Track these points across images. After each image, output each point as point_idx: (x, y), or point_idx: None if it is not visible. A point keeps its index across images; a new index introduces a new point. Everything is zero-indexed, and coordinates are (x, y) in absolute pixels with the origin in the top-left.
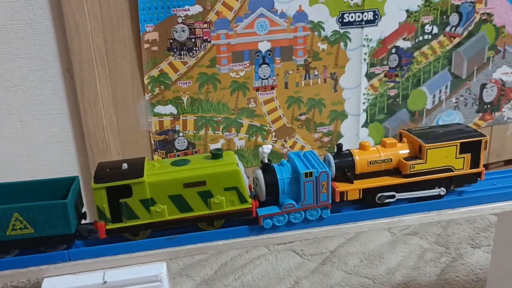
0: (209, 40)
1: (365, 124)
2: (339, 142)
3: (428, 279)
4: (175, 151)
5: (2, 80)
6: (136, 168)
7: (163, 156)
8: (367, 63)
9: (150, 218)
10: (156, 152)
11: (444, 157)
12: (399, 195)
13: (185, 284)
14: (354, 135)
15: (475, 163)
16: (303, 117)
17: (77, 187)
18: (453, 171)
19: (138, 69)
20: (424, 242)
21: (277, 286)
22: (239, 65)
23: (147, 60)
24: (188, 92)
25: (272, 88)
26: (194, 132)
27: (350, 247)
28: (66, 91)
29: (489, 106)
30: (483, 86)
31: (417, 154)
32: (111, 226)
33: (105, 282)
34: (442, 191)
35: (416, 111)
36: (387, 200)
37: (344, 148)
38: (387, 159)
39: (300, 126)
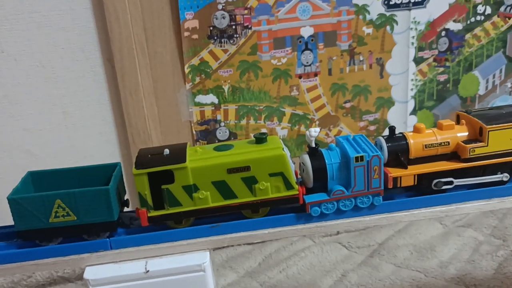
0: (250, 26)
1: (413, 112)
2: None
3: (485, 273)
4: (216, 141)
5: (44, 71)
6: (178, 153)
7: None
8: (415, 47)
9: (193, 205)
10: (197, 143)
11: (508, 139)
12: (457, 181)
13: (228, 276)
14: (402, 123)
15: None
16: (348, 105)
17: (119, 174)
18: None
19: (178, 57)
20: (479, 234)
21: (323, 279)
22: (281, 51)
23: (187, 49)
24: (229, 81)
25: (315, 75)
26: (236, 121)
27: (399, 239)
28: (107, 81)
29: None
30: None
31: (477, 136)
32: (153, 213)
33: (147, 271)
34: (505, 176)
35: (468, 97)
36: (444, 187)
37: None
38: (444, 142)
39: (345, 114)
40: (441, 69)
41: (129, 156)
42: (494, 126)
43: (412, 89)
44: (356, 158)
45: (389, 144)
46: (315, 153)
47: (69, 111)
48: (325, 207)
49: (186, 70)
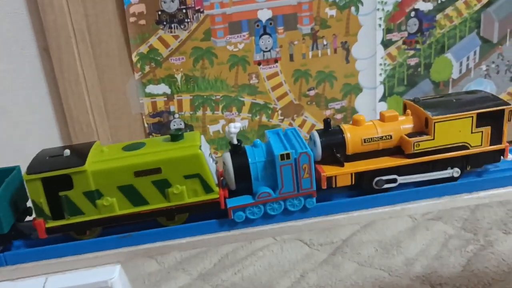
0: (202, 10)
1: (383, 98)
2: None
3: (452, 270)
4: None
5: None
6: (79, 154)
7: None
8: (383, 29)
9: (98, 213)
10: (150, 136)
11: (457, 131)
12: (401, 179)
13: (180, 279)
14: (370, 110)
15: (496, 138)
16: (312, 93)
17: (15, 180)
18: (468, 149)
19: (125, 45)
20: (449, 228)
21: (280, 281)
22: (237, 36)
23: (134, 36)
24: (181, 69)
25: (276, 61)
26: (191, 113)
27: (364, 235)
28: (45, 73)
29: None
30: None
31: (423, 129)
32: (51, 224)
33: None
34: (456, 172)
35: (441, 81)
36: (386, 185)
37: None
38: (385, 136)
39: (309, 103)
40: (411, 52)
41: None
42: (441, 116)
43: (380, 74)
44: (282, 156)
45: (323, 139)
46: (237, 151)
47: (6, 107)
48: (250, 211)
49: (134, 59)
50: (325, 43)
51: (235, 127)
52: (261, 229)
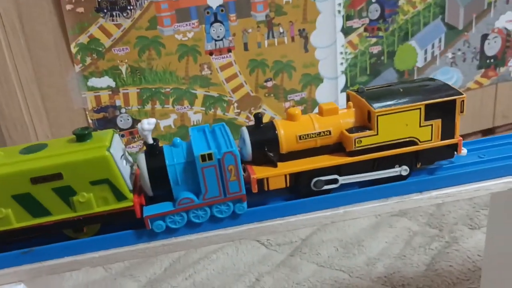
0: None
1: (345, 88)
2: None
3: (415, 270)
4: (118, 130)
5: None
6: None
7: None
8: (343, 16)
9: None
10: None
11: (403, 125)
12: (343, 179)
13: (127, 287)
14: (332, 101)
15: (448, 132)
16: (269, 84)
17: None
18: (417, 144)
19: (62, 36)
20: (413, 224)
21: (233, 286)
22: (186, 25)
23: (72, 25)
24: (126, 60)
25: (229, 50)
26: (139, 107)
27: (325, 234)
28: None
29: (492, 60)
30: (484, 38)
31: (366, 123)
32: None
33: None
34: (404, 170)
35: (405, 70)
36: (327, 187)
37: None
38: (324, 132)
39: (267, 95)
40: (374, 39)
41: None
42: (384, 109)
43: (342, 64)
44: (203, 156)
45: (253, 137)
46: (153, 151)
47: None
48: (171, 220)
49: (74, 50)
50: (281, 31)
51: (148, 123)
52: (185, 239)
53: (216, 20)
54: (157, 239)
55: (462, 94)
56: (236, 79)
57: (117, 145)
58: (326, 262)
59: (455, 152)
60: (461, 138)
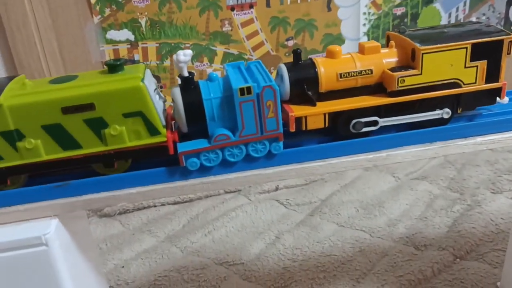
0: None
1: None
2: None
3: (437, 231)
4: None
5: None
6: None
7: None
8: None
9: (20, 158)
10: None
11: (448, 65)
12: (383, 121)
13: (145, 242)
14: None
15: (493, 75)
16: (290, 43)
17: None
18: (461, 87)
19: None
20: (434, 188)
21: (253, 242)
22: None
23: None
24: (146, 13)
25: (251, 6)
26: (157, 62)
27: (344, 195)
28: None
29: None
30: (509, 3)
31: (409, 62)
32: None
33: None
34: (446, 113)
35: None
36: (365, 129)
37: None
38: (365, 71)
39: (287, 54)
40: (398, 1)
41: None
42: (430, 47)
43: (364, 25)
44: (241, 90)
45: (292, 74)
46: (189, 85)
47: None
48: (206, 157)
49: (93, 0)
50: None
51: (184, 54)
52: (219, 178)
53: None
54: (190, 177)
55: (511, 34)
56: (257, 36)
57: (150, 79)
58: (347, 222)
59: (498, 98)
60: (506, 82)
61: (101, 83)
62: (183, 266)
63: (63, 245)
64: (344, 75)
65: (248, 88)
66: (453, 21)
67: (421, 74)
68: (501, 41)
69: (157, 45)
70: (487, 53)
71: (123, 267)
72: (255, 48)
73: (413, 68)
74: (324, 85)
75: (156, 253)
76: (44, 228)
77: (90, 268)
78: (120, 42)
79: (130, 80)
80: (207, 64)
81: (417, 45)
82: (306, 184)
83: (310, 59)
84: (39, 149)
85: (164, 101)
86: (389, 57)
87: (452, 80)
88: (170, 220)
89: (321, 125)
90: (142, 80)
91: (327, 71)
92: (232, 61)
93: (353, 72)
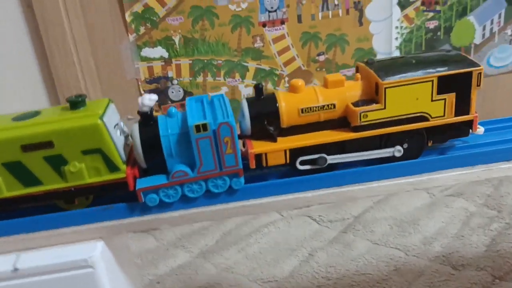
0: None
1: None
2: None
3: (475, 250)
4: (169, 102)
5: None
6: None
7: (156, 109)
8: None
9: None
10: None
11: (414, 99)
12: (331, 158)
13: (179, 257)
14: None
15: (463, 107)
16: (321, 58)
17: None
18: (428, 120)
19: (117, 3)
20: (470, 205)
21: (287, 260)
22: None
23: None
24: (179, 31)
25: (282, 22)
26: (190, 78)
27: (378, 212)
28: (29, 32)
29: None
30: None
31: (374, 96)
32: None
33: (16, 269)
34: (397, 151)
35: (462, 47)
36: (330, 162)
37: None
38: (328, 105)
39: (318, 69)
40: (431, 14)
41: None
42: (392, 81)
43: (396, 38)
44: (197, 126)
45: (253, 109)
46: (147, 121)
47: None
48: (164, 193)
49: (128, 19)
50: (336, 3)
51: (150, 99)
52: (178, 214)
53: None
54: (150, 213)
55: (479, 66)
56: (288, 52)
57: (112, 114)
58: (381, 240)
59: (470, 130)
60: (477, 115)
61: (59, 121)
62: (217, 283)
63: (107, 266)
64: (306, 110)
65: (204, 125)
66: (487, 34)
67: (384, 108)
68: (470, 73)
69: (190, 61)
70: (455, 85)
71: (158, 282)
72: (286, 63)
73: (377, 102)
74: (286, 120)
75: (190, 269)
76: (90, 251)
77: (130, 285)
78: (154, 59)
79: (89, 117)
80: (239, 80)
81: (380, 79)
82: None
83: (273, 93)
84: (0, 186)
85: (127, 136)
86: (353, 90)
87: (419, 114)
88: (204, 236)
89: (282, 162)
90: (101, 117)
91: (289, 106)
92: (264, 77)
93: (315, 107)
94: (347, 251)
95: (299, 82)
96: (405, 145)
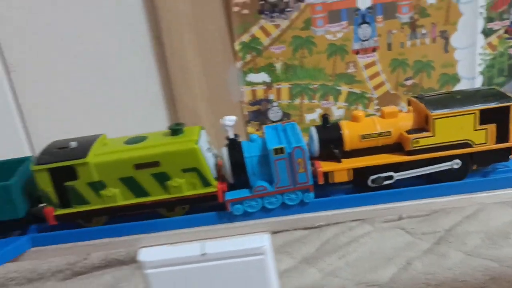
0: None
1: None
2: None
3: None
4: (269, 122)
5: (91, 50)
6: (84, 147)
7: (257, 128)
8: (484, 18)
9: (102, 203)
10: (249, 124)
11: (459, 128)
12: (397, 175)
13: (284, 262)
14: None
15: (503, 135)
16: (409, 82)
17: (27, 169)
18: (471, 146)
19: (228, 34)
20: None
21: (386, 267)
22: (336, 25)
23: (237, 25)
24: (281, 58)
25: (374, 50)
26: (289, 101)
27: (468, 226)
28: (156, 59)
29: None
30: None
31: (424, 125)
32: (60, 211)
33: (204, 254)
34: (456, 163)
35: None
36: (385, 182)
37: None
38: (384, 132)
39: (405, 93)
40: None
41: None
42: (440, 112)
43: (480, 64)
44: (276, 150)
45: (321, 135)
46: (233, 145)
47: (118, 91)
48: (248, 204)
49: (237, 48)
50: (423, 32)
51: (230, 120)
52: (259, 222)
53: (364, 21)
54: (236, 220)
55: None
56: (378, 77)
57: (204, 139)
58: (474, 252)
59: (510, 156)
60: None
61: (164, 145)
62: (323, 285)
63: (271, 256)
64: (366, 136)
65: (281, 149)
66: None
67: (434, 136)
68: (508, 107)
69: (290, 86)
70: (494, 117)
71: None
72: (376, 87)
73: (427, 131)
74: (349, 144)
75: (297, 272)
76: (262, 241)
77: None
78: (257, 83)
79: (188, 142)
80: (332, 102)
81: (429, 111)
82: (427, 214)
83: (337, 122)
84: (117, 196)
85: (216, 157)
86: (406, 120)
87: (463, 141)
88: (304, 244)
89: (346, 179)
90: (197, 142)
91: (351, 133)
92: (355, 100)
93: (374, 133)
94: (442, 261)
95: (360, 113)
96: (454, 166)
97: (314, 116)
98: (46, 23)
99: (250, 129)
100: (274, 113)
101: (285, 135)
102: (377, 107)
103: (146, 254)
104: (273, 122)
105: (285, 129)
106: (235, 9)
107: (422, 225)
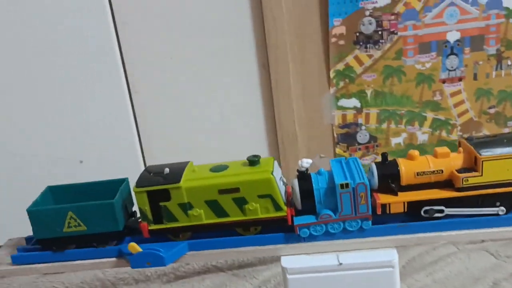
0: (396, 32)
1: None
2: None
3: None
4: (356, 144)
5: (204, 74)
6: (176, 173)
7: (345, 150)
8: None
9: (189, 221)
10: (338, 145)
11: (505, 170)
12: (448, 210)
13: None
14: None
15: None
16: (492, 111)
17: (126, 188)
18: None
19: (324, 63)
20: None
21: (474, 286)
22: (426, 56)
23: (333, 54)
24: (372, 85)
25: (460, 79)
26: (376, 125)
27: None
28: (261, 85)
29: None
30: None
31: (473, 165)
32: (153, 227)
33: (341, 264)
34: (501, 210)
35: None
36: (436, 215)
37: None
38: (437, 171)
39: (488, 120)
40: None
41: (278, 158)
42: (488, 156)
43: None
44: (342, 185)
45: (380, 171)
46: (304, 177)
47: (224, 114)
48: (313, 229)
49: (331, 75)
50: (509, 63)
51: (307, 162)
52: (323, 244)
53: (452, 53)
54: (303, 241)
55: None
56: (462, 105)
57: (277, 169)
58: None
59: None
60: None
61: (244, 174)
62: None
63: (398, 269)
64: (420, 173)
65: (347, 184)
66: None
67: (481, 175)
68: None
69: (378, 111)
70: None
71: None
72: (460, 114)
73: (476, 171)
74: (405, 180)
75: None
76: (392, 255)
77: None
78: (348, 108)
79: (264, 172)
80: (417, 127)
81: (478, 153)
82: (511, 238)
83: (395, 160)
84: (202, 216)
85: (286, 185)
86: (456, 160)
87: (509, 181)
88: None
89: (401, 210)
90: (272, 172)
91: (407, 170)
92: (439, 126)
93: (427, 171)
94: None
95: (415, 152)
96: (498, 204)
97: (399, 140)
98: (170, 52)
99: (338, 150)
100: (362, 136)
101: (349, 169)
102: (460, 133)
103: (287, 261)
104: (360, 145)
105: (348, 163)
106: (333, 40)
107: (506, 249)
